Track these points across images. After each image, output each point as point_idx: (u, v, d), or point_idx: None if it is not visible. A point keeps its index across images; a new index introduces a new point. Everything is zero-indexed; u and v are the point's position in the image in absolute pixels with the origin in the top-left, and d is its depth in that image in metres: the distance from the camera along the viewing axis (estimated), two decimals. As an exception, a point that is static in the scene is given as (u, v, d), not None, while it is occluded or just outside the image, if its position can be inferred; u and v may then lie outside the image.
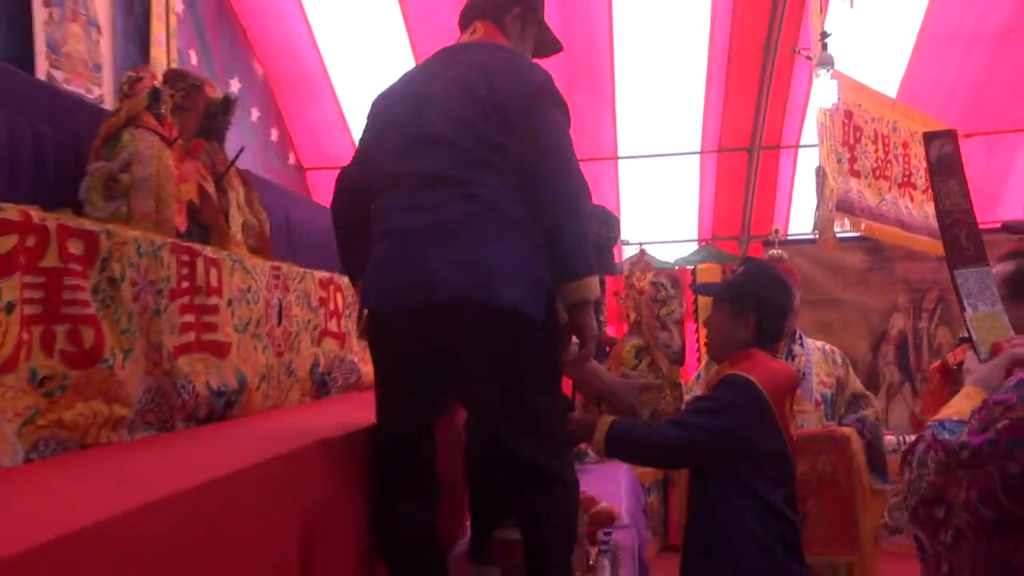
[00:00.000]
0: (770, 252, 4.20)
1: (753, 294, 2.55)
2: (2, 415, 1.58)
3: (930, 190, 1.88)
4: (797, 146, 7.49)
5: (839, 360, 3.64)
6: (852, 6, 4.94)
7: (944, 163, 1.82)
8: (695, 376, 3.96)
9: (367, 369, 3.27)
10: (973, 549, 1.30)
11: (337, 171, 2.31)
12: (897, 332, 6.75)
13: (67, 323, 1.74)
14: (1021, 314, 2.02)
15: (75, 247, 1.78)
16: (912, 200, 5.38)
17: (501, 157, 1.97)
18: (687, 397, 3.03)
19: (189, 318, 2.16)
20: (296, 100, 7.16)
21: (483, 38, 2.17)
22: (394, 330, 2.05)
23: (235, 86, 6.49)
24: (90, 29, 4.62)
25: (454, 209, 1.95)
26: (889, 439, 3.71)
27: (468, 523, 2.96)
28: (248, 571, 1.53)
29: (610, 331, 5.37)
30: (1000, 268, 2.20)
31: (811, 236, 5.72)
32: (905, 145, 5.39)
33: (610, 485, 3.50)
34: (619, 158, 7.69)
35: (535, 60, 2.25)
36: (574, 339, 2.06)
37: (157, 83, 2.58)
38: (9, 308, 1.59)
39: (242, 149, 2.92)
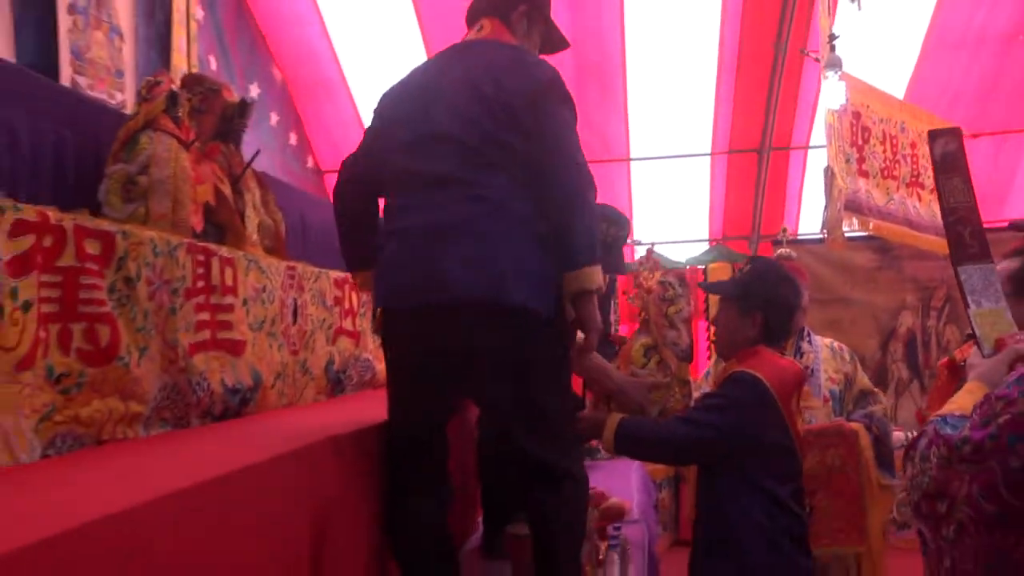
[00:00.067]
0: (779, 251, 4.15)
1: (760, 292, 2.53)
2: (20, 412, 1.58)
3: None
4: (807, 147, 7.45)
5: (847, 357, 3.61)
6: (860, 8, 4.90)
7: (948, 160, 1.80)
8: (704, 373, 3.93)
9: (382, 367, 3.26)
10: (975, 543, 1.28)
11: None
12: (906, 330, 6.69)
13: (84, 321, 1.75)
14: (1025, 311, 2.00)
15: (92, 247, 1.78)
16: (920, 200, 5.33)
17: (508, 155, 1.96)
18: (696, 394, 3.01)
19: (204, 317, 2.16)
20: (314, 104, 7.18)
21: (490, 35, 2.15)
22: (406, 329, 2.04)
23: (254, 91, 6.51)
24: (113, 36, 4.64)
25: (462, 209, 1.93)
26: (897, 435, 3.67)
27: (480, 519, 2.95)
28: (259, 566, 1.52)
29: (623, 330, 5.36)
30: (1005, 265, 2.18)
31: (820, 236, 5.68)
32: (913, 145, 5.34)
33: (621, 481, 3.49)
34: (631, 159, 7.68)
35: (542, 56, 2.23)
36: (580, 334, 2.04)
37: (175, 87, 2.59)
38: (26, 306, 1.59)
39: (258, 152, 2.92)
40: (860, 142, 4.99)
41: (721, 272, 6.59)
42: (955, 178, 1.78)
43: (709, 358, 4.04)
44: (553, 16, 2.33)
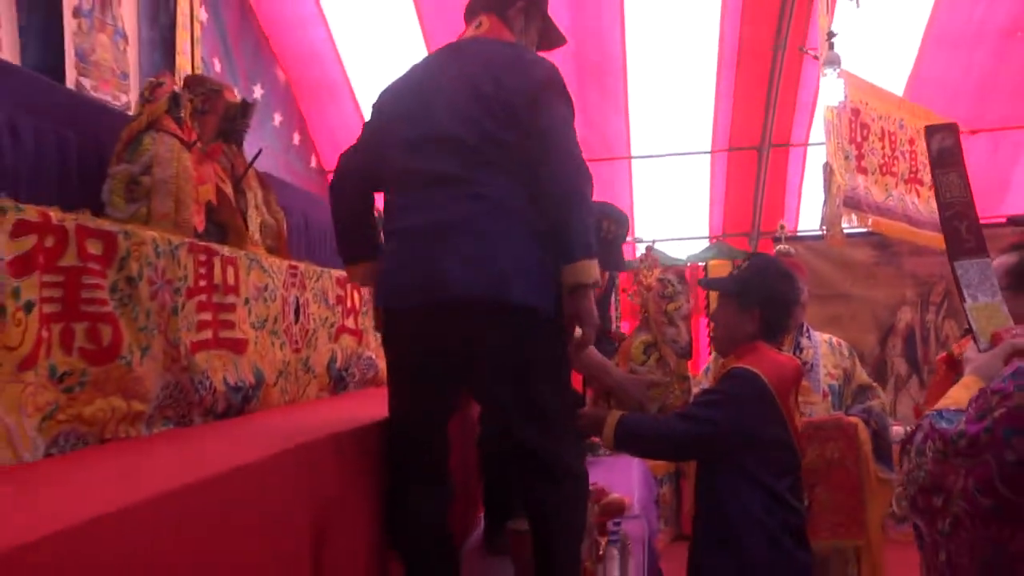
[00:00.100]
0: (778, 247, 4.15)
1: (758, 289, 2.52)
2: (23, 411, 1.58)
3: (934, 184, 1.86)
4: (806, 144, 7.43)
5: (846, 352, 3.60)
6: (858, 6, 4.89)
7: (945, 156, 1.79)
8: (704, 369, 3.93)
9: (384, 364, 3.26)
10: (971, 537, 1.27)
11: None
12: (905, 325, 6.68)
13: (86, 321, 1.74)
14: (1022, 304, 1.99)
15: (93, 247, 1.77)
16: (919, 196, 5.31)
17: (507, 154, 1.95)
18: (695, 390, 3.00)
19: (206, 316, 2.16)
20: (318, 105, 7.17)
21: (488, 32, 2.14)
22: (407, 327, 2.04)
23: (258, 92, 6.50)
24: (117, 39, 4.64)
25: (461, 208, 1.93)
26: (897, 430, 3.66)
27: (482, 515, 2.94)
28: (261, 564, 1.52)
29: (624, 327, 5.35)
30: (1003, 260, 2.17)
31: (820, 232, 5.67)
32: (911, 142, 5.32)
33: (622, 476, 3.48)
34: (632, 158, 7.66)
35: (540, 53, 2.22)
36: (578, 330, 2.03)
37: (177, 88, 2.58)
38: (28, 306, 1.59)
39: (259, 151, 2.92)
40: (859, 139, 4.98)
41: (721, 269, 6.59)
42: (951, 173, 1.77)
43: (710, 354, 4.03)
44: (553, 16, 2.33)
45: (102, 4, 4.52)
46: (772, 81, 6.82)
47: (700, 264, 7.24)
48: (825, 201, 4.72)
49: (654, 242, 7.06)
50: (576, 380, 2.94)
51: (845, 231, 5.01)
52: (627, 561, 2.46)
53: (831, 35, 4.87)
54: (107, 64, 4.50)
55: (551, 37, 2.31)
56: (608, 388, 2.65)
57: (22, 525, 1.06)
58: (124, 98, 4.53)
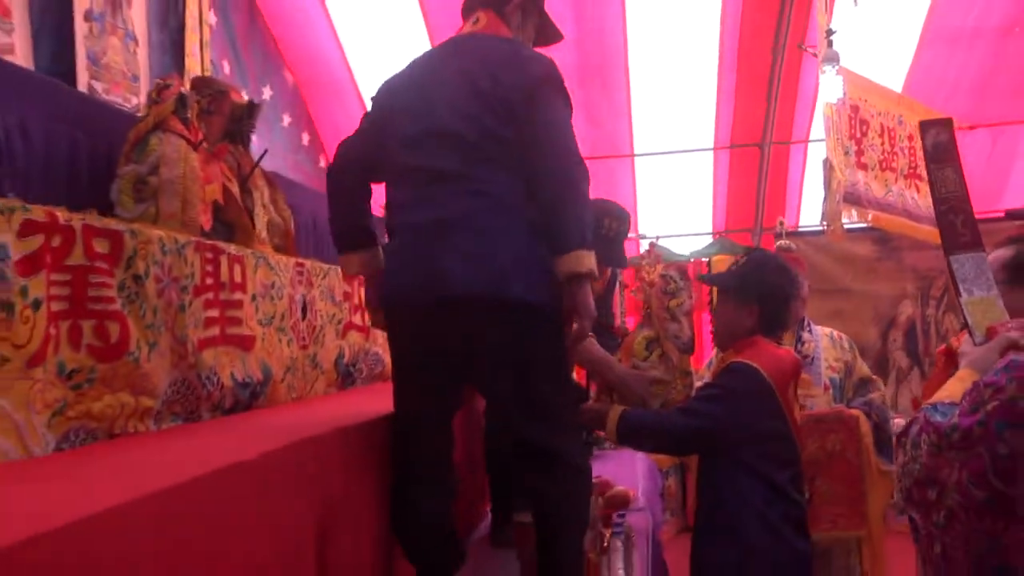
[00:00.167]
0: (779, 243, 4.13)
1: (756, 283, 2.51)
2: (32, 407, 1.58)
3: (929, 178, 1.85)
4: (807, 141, 7.40)
5: (847, 346, 3.59)
6: (856, 4, 4.86)
7: (940, 151, 1.78)
8: (707, 363, 3.91)
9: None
10: (965, 529, 1.26)
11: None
12: (905, 319, 6.66)
13: (93, 318, 1.74)
14: (1020, 298, 1.97)
15: (100, 246, 1.77)
16: (918, 191, 5.29)
17: (506, 150, 1.94)
18: (698, 384, 2.99)
19: (213, 313, 2.16)
20: (325, 105, 7.17)
21: (485, 28, 2.12)
22: (409, 325, 2.03)
23: (267, 93, 6.50)
24: (128, 42, 4.64)
25: (461, 204, 1.91)
26: (898, 422, 3.63)
27: (489, 508, 2.94)
28: (264, 558, 1.51)
29: (629, 323, 5.34)
30: (999, 253, 2.14)
31: (821, 228, 5.65)
32: (911, 138, 5.30)
33: (626, 469, 3.47)
34: (635, 155, 7.64)
35: (539, 49, 2.20)
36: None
37: (184, 89, 2.58)
38: (36, 304, 1.59)
39: (265, 151, 2.92)
40: (858, 135, 4.96)
41: (724, 265, 6.53)
42: (947, 168, 1.76)
43: (713, 349, 4.02)
44: (556, 16, 2.31)
45: (112, 8, 4.52)
46: (772, 78, 6.80)
47: (704, 260, 7.21)
48: (825, 197, 4.71)
49: (657, 238, 7.09)
50: (580, 375, 2.94)
51: (846, 226, 4.99)
52: (631, 553, 2.45)
53: (830, 33, 4.85)
54: (118, 67, 4.51)
55: (548, 33, 2.29)
56: (611, 383, 2.64)
57: (26, 520, 1.05)
58: (135, 100, 4.53)
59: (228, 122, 2.77)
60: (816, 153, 7.16)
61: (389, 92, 2.13)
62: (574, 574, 2.04)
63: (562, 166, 1.92)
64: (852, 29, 5.41)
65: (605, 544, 2.43)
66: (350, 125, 2.17)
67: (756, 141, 7.32)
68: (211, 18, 5.52)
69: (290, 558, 1.63)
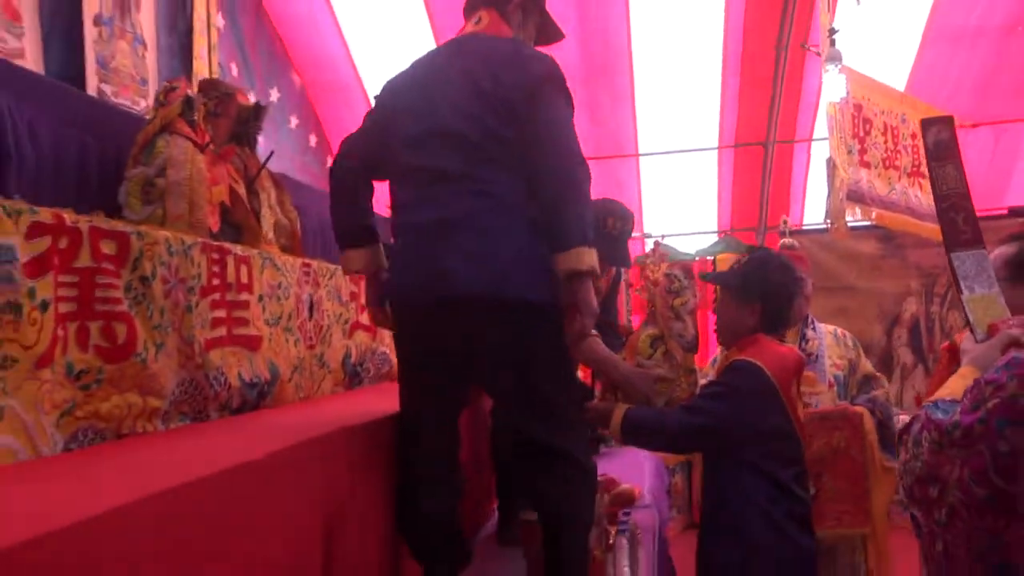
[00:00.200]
0: (782, 241, 4.12)
1: (758, 281, 2.50)
2: (40, 407, 1.58)
3: (930, 176, 1.84)
4: (810, 139, 7.38)
5: (850, 344, 3.57)
6: (859, 3, 4.84)
7: (941, 148, 1.76)
8: (711, 361, 3.90)
9: (397, 360, 3.26)
10: (966, 527, 1.25)
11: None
12: (910, 316, 6.64)
13: (101, 320, 1.74)
14: (1022, 295, 1.96)
15: (107, 247, 1.77)
16: (922, 189, 5.26)
17: (509, 150, 1.93)
18: (702, 382, 2.98)
19: (220, 313, 2.15)
20: (332, 107, 7.17)
21: (487, 28, 2.11)
22: (412, 324, 2.03)
23: (274, 95, 6.51)
24: (136, 45, 4.66)
25: (463, 204, 1.91)
26: (903, 418, 3.62)
27: (496, 506, 2.93)
28: (271, 556, 1.51)
29: (635, 322, 5.32)
30: (1002, 250, 2.13)
31: (825, 226, 5.63)
32: (914, 136, 5.28)
33: (633, 467, 3.46)
34: (640, 155, 7.63)
35: (541, 48, 2.19)
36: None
37: (190, 92, 2.58)
38: (44, 306, 1.59)
39: (271, 153, 2.92)
40: (862, 133, 4.94)
41: (729, 263, 6.54)
42: (948, 165, 1.74)
43: (719, 346, 4.01)
44: (560, 17, 2.30)
45: (121, 12, 4.54)
46: (776, 78, 6.78)
47: (709, 258, 7.19)
48: (829, 195, 4.69)
49: (663, 237, 7.08)
50: (586, 374, 2.93)
51: (850, 224, 4.97)
52: (636, 551, 2.44)
53: (832, 32, 4.83)
54: (127, 70, 4.52)
55: (549, 32, 2.27)
56: (615, 382, 2.63)
57: (32, 519, 1.05)
58: (143, 103, 4.54)
59: (235, 124, 2.78)
60: (820, 152, 7.14)
61: (392, 91, 2.13)
62: (579, 572, 2.03)
63: (563, 165, 1.91)
64: (855, 28, 5.39)
65: (611, 542, 2.43)
66: (357, 126, 2.17)
67: (760, 140, 7.30)
68: (219, 21, 5.54)
69: (297, 557, 1.62)
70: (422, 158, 1.97)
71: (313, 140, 7.16)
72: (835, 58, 4.71)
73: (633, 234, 3.05)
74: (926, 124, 1.80)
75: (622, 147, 7.50)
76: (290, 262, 2.60)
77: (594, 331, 2.50)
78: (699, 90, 7.05)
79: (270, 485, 1.53)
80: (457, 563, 2.13)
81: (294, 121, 6.89)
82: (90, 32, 4.29)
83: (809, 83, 6.83)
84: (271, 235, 2.78)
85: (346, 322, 3.01)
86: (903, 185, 5.17)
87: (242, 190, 2.65)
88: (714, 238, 7.83)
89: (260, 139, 3.15)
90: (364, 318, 3.16)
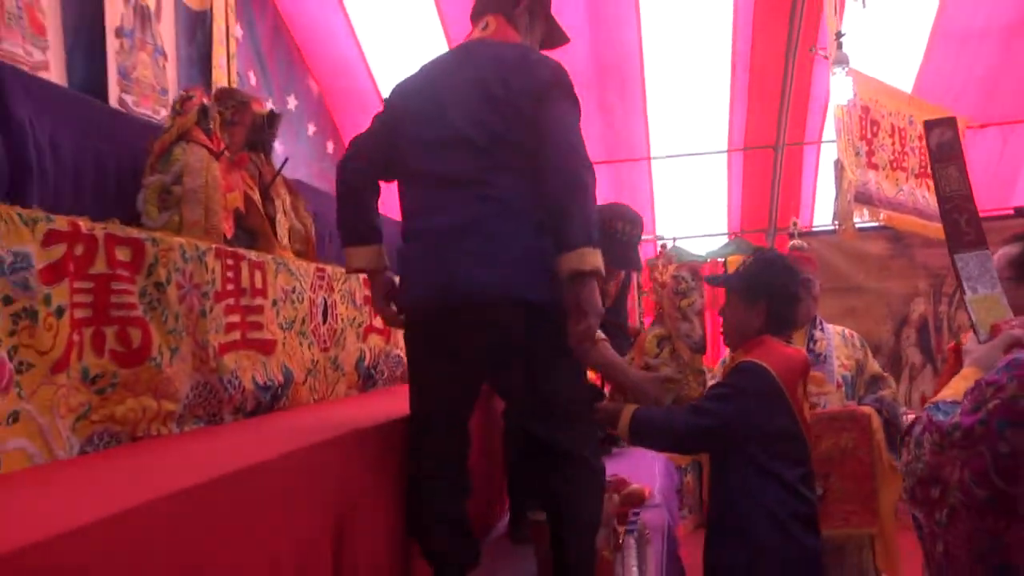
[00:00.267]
0: (791, 242, 4.09)
1: (763, 283, 2.48)
2: (56, 411, 1.59)
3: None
4: (819, 142, 7.33)
5: (858, 344, 3.54)
6: (864, 6, 4.80)
7: (944, 150, 1.74)
8: (721, 362, 3.88)
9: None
10: (967, 528, 1.22)
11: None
12: (918, 316, 6.58)
13: (116, 325, 1.75)
14: (1025, 295, 1.93)
15: (122, 254, 1.78)
16: (929, 190, 5.22)
17: (517, 155, 1.92)
18: (710, 383, 2.96)
19: (234, 318, 2.16)
20: (349, 114, 7.18)
21: (495, 34, 2.09)
22: (422, 327, 2.03)
23: (292, 103, 6.52)
24: (157, 56, 4.67)
25: (472, 209, 1.90)
26: (910, 418, 3.58)
27: (508, 506, 2.92)
28: (281, 557, 1.50)
29: (648, 324, 5.29)
30: (1006, 250, 2.10)
31: (834, 227, 5.60)
32: (921, 138, 5.22)
33: (643, 467, 3.44)
34: (652, 158, 7.61)
35: (547, 53, 2.18)
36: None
37: (206, 101, 2.58)
38: (59, 312, 1.59)
39: (286, 160, 2.92)
40: (869, 135, 4.91)
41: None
42: (951, 167, 1.72)
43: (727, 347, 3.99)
44: (572, 22, 2.28)
45: (142, 24, 4.55)
46: (785, 82, 6.73)
47: (720, 260, 7.16)
48: (837, 196, 4.65)
49: (675, 239, 7.06)
50: (597, 374, 2.91)
51: (858, 225, 4.94)
52: (645, 550, 2.43)
53: (839, 35, 4.80)
54: (147, 81, 4.54)
55: (555, 36, 2.26)
56: (624, 386, 2.61)
57: (47, 520, 1.05)
58: (164, 112, 4.55)
59: (250, 132, 2.78)
60: (829, 154, 7.09)
61: (402, 95, 2.12)
62: (586, 571, 2.01)
63: (569, 167, 1.89)
64: (863, 32, 5.35)
65: (620, 542, 2.41)
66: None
67: (770, 143, 7.26)
68: (237, 31, 5.55)
69: (309, 558, 1.62)
70: (432, 163, 1.96)
71: (330, 147, 7.18)
72: (842, 61, 4.68)
73: (645, 237, 3.03)
74: (929, 126, 1.78)
75: (634, 151, 7.48)
76: (304, 267, 2.60)
77: (604, 335, 2.49)
78: (709, 94, 7.02)
79: (282, 486, 1.52)
80: (467, 563, 2.12)
81: (312, 128, 6.91)
82: (112, 44, 4.31)
83: (818, 86, 6.78)
84: (286, 240, 2.78)
85: (360, 325, 3.00)
86: (911, 186, 5.13)
87: (257, 196, 2.65)
88: (725, 240, 7.80)
89: (278, 146, 3.16)
90: (378, 322, 3.16)
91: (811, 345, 3.45)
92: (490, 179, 1.91)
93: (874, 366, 3.53)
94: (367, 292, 3.08)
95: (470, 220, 1.89)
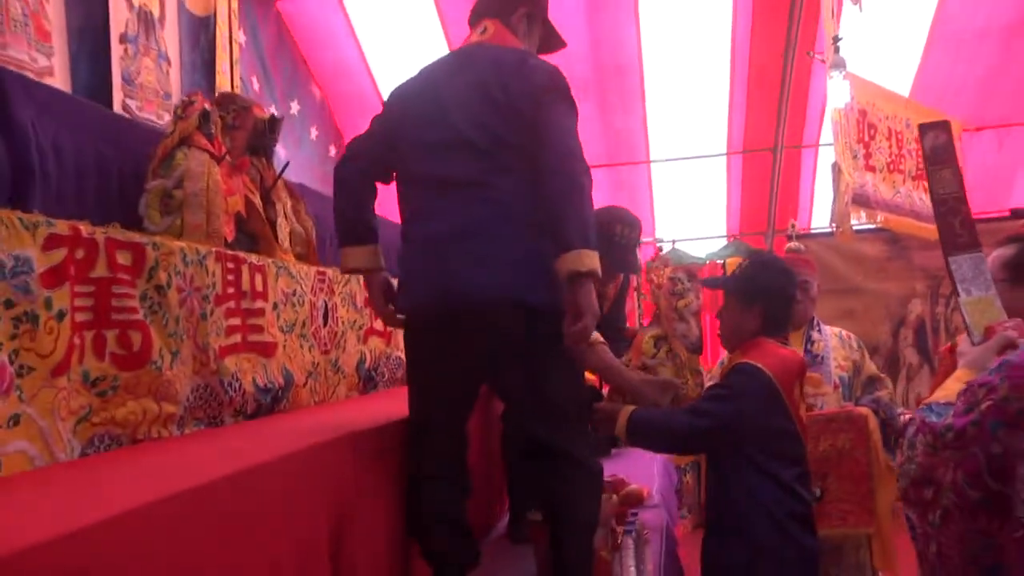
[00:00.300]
0: (789, 244, 4.08)
1: (759, 285, 2.47)
2: (57, 414, 1.58)
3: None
4: (817, 145, 7.33)
5: (855, 345, 3.53)
6: (861, 10, 4.79)
7: (938, 152, 1.74)
8: (719, 362, 3.87)
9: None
10: (960, 529, 1.22)
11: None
12: (915, 317, 6.58)
13: (116, 328, 1.74)
14: (1020, 297, 1.92)
15: (123, 258, 1.78)
16: (926, 192, 5.16)
17: (516, 158, 1.91)
18: (708, 384, 2.95)
19: (235, 321, 2.15)
20: (351, 118, 7.18)
21: (493, 38, 2.09)
22: (421, 329, 2.02)
23: (295, 108, 6.53)
24: (161, 62, 4.68)
25: (472, 213, 1.90)
26: (907, 419, 3.57)
27: (507, 506, 2.92)
28: (280, 558, 1.50)
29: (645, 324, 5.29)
30: (1000, 252, 2.10)
31: (831, 229, 5.59)
32: (917, 140, 5.22)
33: (642, 467, 3.44)
34: (651, 162, 7.61)
35: (545, 56, 2.17)
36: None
37: (208, 105, 2.59)
38: (60, 315, 1.59)
39: (287, 164, 2.91)
40: (867, 138, 4.91)
41: (738, 267, 6.51)
42: (945, 170, 1.72)
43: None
44: (571, 27, 2.28)
45: (146, 30, 4.56)
46: (783, 85, 6.73)
47: (719, 262, 7.16)
48: (834, 199, 4.65)
49: (674, 242, 7.05)
50: (595, 377, 2.91)
51: (856, 227, 4.93)
52: (643, 550, 2.42)
53: (836, 39, 4.79)
54: (151, 86, 4.55)
55: (552, 41, 2.26)
56: (622, 389, 2.60)
57: (48, 521, 1.05)
58: (167, 117, 4.56)
59: (251, 136, 2.78)
60: (827, 157, 7.09)
61: (401, 98, 2.11)
62: (584, 572, 2.01)
63: (566, 169, 1.89)
64: (860, 35, 5.35)
65: (618, 542, 2.40)
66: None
67: (768, 146, 7.26)
68: (240, 37, 5.56)
69: (308, 558, 1.61)
70: (433, 165, 1.96)
71: (333, 151, 7.18)
72: (839, 65, 4.67)
73: (645, 239, 3.03)
74: (924, 129, 1.78)
75: (634, 154, 7.48)
76: (305, 270, 2.59)
77: (602, 338, 2.49)
78: (708, 97, 7.03)
79: (282, 488, 1.52)
80: (467, 563, 2.11)
81: (314, 132, 6.91)
82: (116, 50, 4.32)
83: (816, 90, 6.78)
84: (287, 244, 2.78)
85: (360, 328, 3.00)
86: (908, 188, 5.13)
87: (257, 200, 2.65)
88: (723, 242, 7.80)
89: (281, 150, 3.16)
90: (378, 324, 3.16)
91: (808, 346, 3.44)
92: (491, 181, 1.91)
93: (871, 367, 3.52)
94: (367, 294, 3.07)
95: (471, 222, 1.89)
